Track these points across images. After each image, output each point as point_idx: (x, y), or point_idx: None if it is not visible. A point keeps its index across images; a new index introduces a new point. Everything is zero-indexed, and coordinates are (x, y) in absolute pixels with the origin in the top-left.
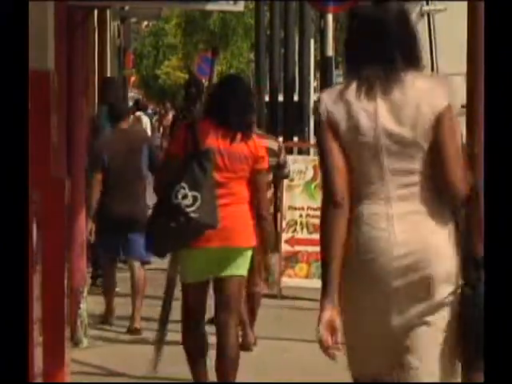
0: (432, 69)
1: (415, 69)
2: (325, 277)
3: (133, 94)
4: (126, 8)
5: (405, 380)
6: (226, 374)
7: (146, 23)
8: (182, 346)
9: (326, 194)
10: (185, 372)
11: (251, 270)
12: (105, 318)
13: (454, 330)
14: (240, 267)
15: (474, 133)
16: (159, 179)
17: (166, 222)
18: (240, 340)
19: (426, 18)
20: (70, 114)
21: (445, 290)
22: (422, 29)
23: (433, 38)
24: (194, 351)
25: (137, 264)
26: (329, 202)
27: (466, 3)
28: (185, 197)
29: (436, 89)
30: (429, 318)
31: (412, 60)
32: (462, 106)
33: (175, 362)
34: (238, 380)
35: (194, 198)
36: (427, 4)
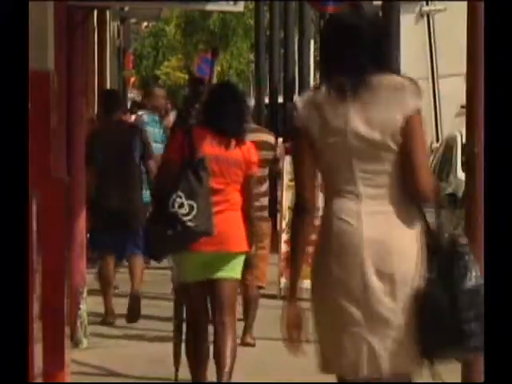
0: (432, 69)
1: (387, 72)
2: (293, 276)
3: (133, 95)
4: (126, 8)
5: (372, 373)
6: (223, 374)
7: (145, 24)
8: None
9: (298, 200)
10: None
11: (248, 272)
12: (104, 319)
13: (414, 324)
14: (233, 270)
15: (473, 133)
16: (158, 184)
17: (163, 229)
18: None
19: (425, 18)
20: (70, 114)
21: (406, 289)
22: (421, 29)
23: (432, 38)
24: (198, 352)
25: (135, 258)
26: (300, 209)
27: (465, 3)
28: (181, 206)
29: (406, 91)
30: (392, 317)
31: (383, 63)
32: (462, 107)
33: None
34: (237, 380)
35: (191, 207)
36: (427, 4)
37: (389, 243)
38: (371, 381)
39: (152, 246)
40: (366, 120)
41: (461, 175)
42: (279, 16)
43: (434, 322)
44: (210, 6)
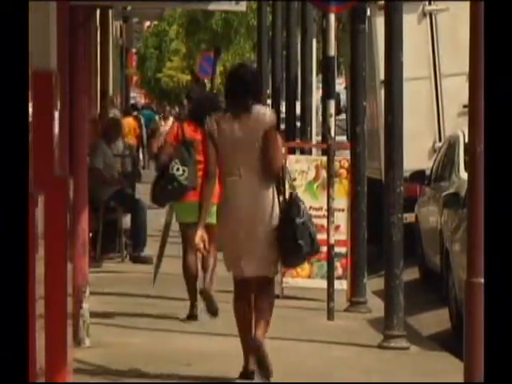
0: (434, 68)
1: (258, 102)
2: (201, 214)
3: (135, 94)
4: (128, 8)
5: (250, 273)
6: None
7: (148, 23)
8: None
9: (208, 171)
10: (185, 372)
11: None
12: None
13: (275, 245)
14: (214, 215)
15: (475, 132)
16: (160, 157)
17: (165, 185)
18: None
19: (428, 17)
20: (73, 114)
21: (271, 225)
22: (424, 29)
23: (435, 37)
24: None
25: None
26: (209, 176)
27: (468, 3)
28: (178, 169)
29: (266, 114)
30: (261, 239)
31: (258, 98)
32: (465, 106)
33: (175, 362)
34: (238, 380)
35: (184, 171)
36: (429, 4)
37: (258, 198)
38: (251, 279)
39: (157, 196)
40: (246, 130)
41: (463, 175)
42: (282, 16)
43: (285, 243)
44: (212, 6)
